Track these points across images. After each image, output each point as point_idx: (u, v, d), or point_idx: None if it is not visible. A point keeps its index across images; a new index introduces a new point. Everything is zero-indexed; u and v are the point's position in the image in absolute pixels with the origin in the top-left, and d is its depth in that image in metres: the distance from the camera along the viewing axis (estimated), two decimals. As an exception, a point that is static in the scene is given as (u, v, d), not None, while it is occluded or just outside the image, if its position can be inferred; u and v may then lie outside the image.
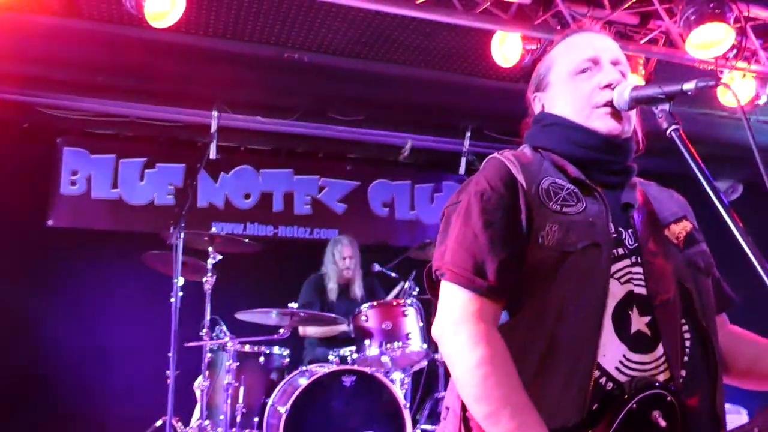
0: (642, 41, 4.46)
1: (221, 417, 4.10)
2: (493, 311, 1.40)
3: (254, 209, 6.29)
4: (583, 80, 1.57)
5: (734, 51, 4.48)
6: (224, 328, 4.33)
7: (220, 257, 4.43)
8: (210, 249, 4.39)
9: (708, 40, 4.16)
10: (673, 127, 1.41)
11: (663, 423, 1.29)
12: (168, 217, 5.02)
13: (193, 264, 4.44)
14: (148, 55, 4.86)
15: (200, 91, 5.36)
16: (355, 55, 5.29)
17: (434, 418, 4.94)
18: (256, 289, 5.53)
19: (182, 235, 4.19)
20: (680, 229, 1.55)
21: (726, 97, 5.00)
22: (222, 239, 4.48)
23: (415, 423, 4.63)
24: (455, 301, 1.40)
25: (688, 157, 1.37)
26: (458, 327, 1.37)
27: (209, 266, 4.37)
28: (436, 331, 1.44)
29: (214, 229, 4.52)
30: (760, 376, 1.54)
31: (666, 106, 1.44)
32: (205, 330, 4.25)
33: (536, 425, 1.27)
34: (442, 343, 1.41)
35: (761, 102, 5.03)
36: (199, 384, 4.16)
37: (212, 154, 5.40)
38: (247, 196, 6.30)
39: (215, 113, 5.42)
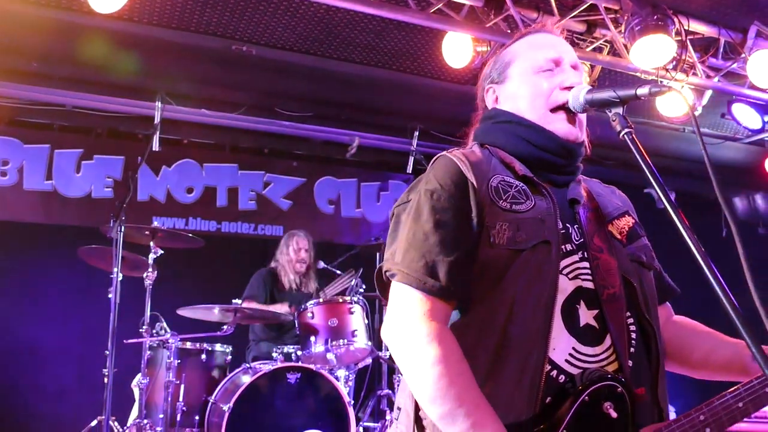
0: (588, 49, 4.59)
1: (161, 416, 3.99)
2: (445, 311, 1.39)
3: (197, 204, 6.15)
4: (545, 79, 1.57)
5: (674, 63, 4.67)
6: (165, 324, 4.21)
7: (161, 252, 4.31)
8: (151, 244, 4.27)
9: (650, 51, 4.32)
10: (626, 130, 1.43)
11: (614, 414, 1.31)
12: (106, 210, 4.87)
13: (133, 259, 4.31)
14: (87, 42, 4.68)
15: (143, 81, 5.21)
16: (305, 50, 5.24)
17: (377, 415, 4.95)
18: (198, 285, 5.41)
19: (122, 228, 4.06)
20: (623, 224, 1.58)
21: (665, 108, 5.20)
22: (163, 234, 4.36)
23: (358, 420, 4.62)
24: (406, 302, 1.39)
25: (639, 160, 1.40)
26: (410, 327, 1.36)
27: (150, 261, 4.25)
28: (387, 332, 1.41)
29: (155, 224, 4.37)
30: (714, 368, 1.59)
31: (620, 110, 1.47)
32: (144, 327, 4.13)
33: (492, 422, 1.27)
34: (394, 343, 1.39)
35: (697, 113, 5.25)
36: (138, 382, 4.04)
37: (154, 146, 5.25)
38: (190, 191, 6.16)
39: (158, 105, 5.28)
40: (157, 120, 5.19)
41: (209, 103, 5.52)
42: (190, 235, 4.60)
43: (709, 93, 5.15)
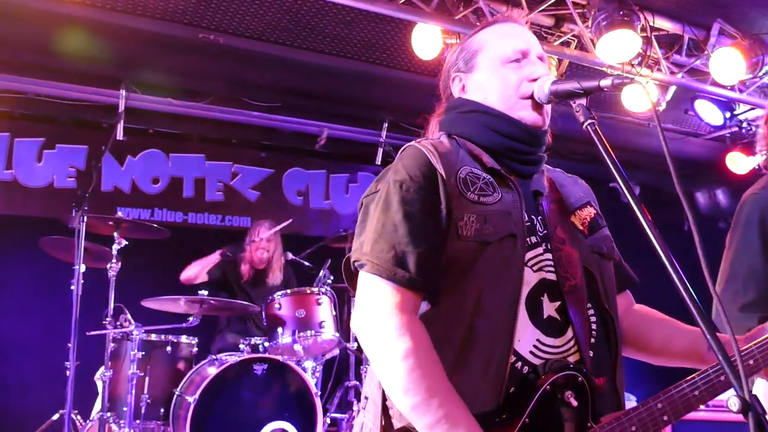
0: (556, 43, 4.64)
1: (124, 409, 3.94)
2: (414, 302, 1.39)
3: (163, 194, 6.07)
4: (513, 70, 1.57)
5: (639, 59, 4.74)
6: (129, 316, 4.15)
7: (126, 243, 4.24)
8: (115, 234, 4.20)
9: (616, 46, 4.38)
10: (589, 121, 1.44)
11: (575, 403, 1.34)
12: (68, 200, 4.76)
13: (96, 250, 4.23)
14: (49, 28, 4.56)
15: (107, 69, 5.11)
16: (274, 40, 5.18)
17: (344, 406, 4.95)
18: (164, 276, 5.34)
19: (85, 219, 3.99)
20: (585, 215, 1.60)
21: (630, 103, 5.29)
22: (128, 224, 4.29)
23: (325, 411, 4.62)
24: (376, 293, 1.38)
25: (602, 151, 1.42)
26: (381, 319, 1.36)
27: (114, 252, 4.17)
28: (357, 324, 1.41)
29: (119, 214, 4.30)
30: (672, 355, 1.63)
31: (583, 101, 1.48)
32: (108, 319, 4.06)
33: (462, 414, 1.29)
34: (364, 336, 1.39)
35: (661, 108, 5.35)
36: (101, 375, 3.97)
37: (119, 135, 5.16)
38: (156, 181, 6.07)
39: (123, 93, 5.19)
40: (121, 108, 5.10)
41: (175, 93, 5.44)
42: (156, 225, 4.54)
43: (672, 89, 5.24)
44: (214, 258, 4.96)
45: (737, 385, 1.11)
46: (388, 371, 1.34)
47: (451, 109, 1.65)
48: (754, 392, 1.11)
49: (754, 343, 1.46)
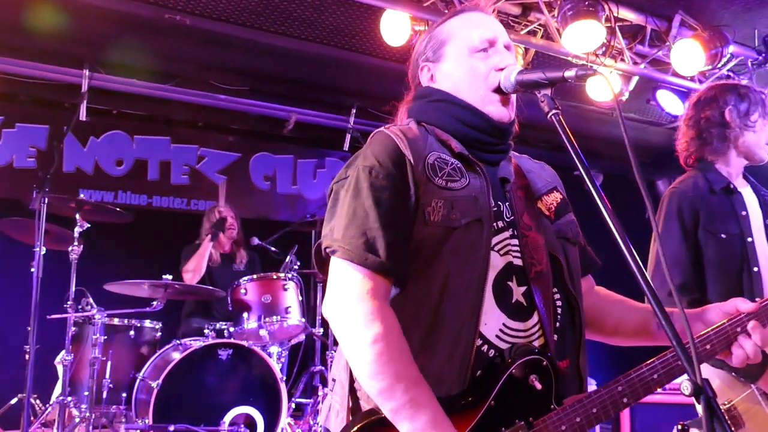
0: (522, 32, 4.67)
1: (85, 393, 3.90)
2: (385, 287, 1.41)
3: (127, 177, 5.97)
4: (480, 60, 1.59)
5: (603, 49, 4.81)
6: (91, 300, 4.10)
7: (88, 226, 4.17)
8: (77, 216, 4.12)
9: (581, 36, 4.43)
10: (554, 111, 1.47)
11: (539, 386, 1.38)
12: (29, 181, 4.68)
13: (58, 232, 4.16)
14: (11, 5, 4.43)
15: (70, 47, 4.98)
16: (242, 23, 5.10)
17: (310, 391, 4.98)
18: (127, 260, 5.27)
19: (46, 200, 3.90)
20: (551, 201, 1.63)
21: (594, 92, 5.36)
22: (91, 206, 4.22)
23: (290, 396, 4.64)
24: (347, 279, 1.40)
25: (565, 140, 1.45)
26: (352, 304, 1.37)
27: (76, 235, 4.10)
28: (328, 309, 1.42)
29: (81, 196, 4.22)
30: (625, 334, 1.69)
31: (548, 91, 1.51)
32: (69, 302, 4.00)
33: (427, 399, 1.31)
34: (335, 320, 1.40)
35: (624, 98, 5.44)
36: (62, 359, 3.92)
37: (81, 115, 5.05)
38: (120, 163, 5.96)
39: (86, 72, 5.07)
40: (84, 88, 4.99)
41: (140, 73, 5.32)
42: (119, 209, 4.47)
43: (635, 79, 5.33)
44: (208, 244, 4.87)
45: (690, 370, 1.16)
46: (357, 355, 1.35)
47: (420, 97, 1.67)
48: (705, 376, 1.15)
49: (711, 328, 1.51)
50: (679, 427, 1.17)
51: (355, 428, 1.35)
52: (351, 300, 1.38)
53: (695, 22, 4.92)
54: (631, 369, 1.44)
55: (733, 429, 2.15)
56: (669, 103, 5.64)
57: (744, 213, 2.43)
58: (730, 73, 5.35)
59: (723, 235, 2.37)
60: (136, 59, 5.15)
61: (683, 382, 1.15)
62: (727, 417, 2.15)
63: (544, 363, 1.40)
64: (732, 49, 4.95)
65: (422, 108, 1.65)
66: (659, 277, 2.28)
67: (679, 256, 2.34)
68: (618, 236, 1.30)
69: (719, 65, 5.03)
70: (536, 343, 1.44)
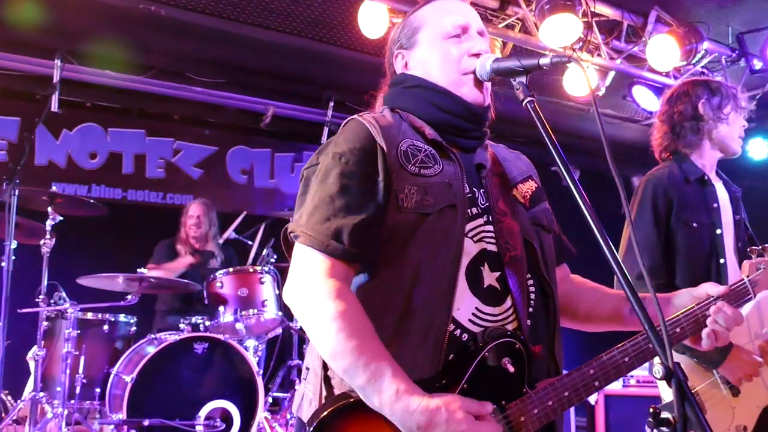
0: (500, 25, 4.68)
1: (58, 389, 3.83)
2: (346, 272, 1.41)
3: (101, 170, 5.88)
4: (453, 45, 1.60)
5: (580, 44, 4.84)
6: (64, 294, 4.03)
7: (61, 219, 4.10)
8: (49, 209, 4.04)
9: (558, 30, 4.46)
10: (529, 99, 1.47)
11: (512, 369, 1.38)
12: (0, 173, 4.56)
13: (29, 225, 4.08)
14: (-22, -6, 4.35)
15: (41, 38, 4.89)
16: (218, 14, 5.05)
17: (287, 385, 4.95)
18: (101, 253, 5.20)
19: (16, 192, 3.83)
20: (527, 189, 1.64)
21: (571, 87, 5.39)
22: (63, 199, 4.14)
23: (267, 391, 4.61)
24: (308, 262, 1.41)
25: (540, 128, 1.45)
26: (310, 285, 1.38)
27: (48, 228, 4.03)
28: (288, 291, 1.43)
29: (54, 189, 4.15)
30: (597, 320, 1.71)
31: (523, 79, 1.51)
32: (41, 296, 3.93)
33: (393, 370, 1.30)
34: (295, 302, 1.41)
35: (600, 93, 5.48)
36: (34, 354, 3.86)
37: (53, 107, 4.96)
38: (93, 156, 5.88)
39: (58, 63, 4.98)
40: (56, 79, 4.90)
41: (114, 64, 5.25)
42: (92, 201, 4.40)
43: (612, 74, 5.37)
44: (185, 261, 4.81)
45: (661, 353, 1.16)
46: (319, 335, 1.36)
47: (394, 84, 1.68)
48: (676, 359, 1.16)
49: (681, 312, 1.53)
50: (651, 410, 1.17)
51: (326, 412, 1.34)
52: (310, 281, 1.39)
53: (671, 18, 4.97)
54: (603, 352, 1.45)
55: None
56: (645, 99, 5.70)
57: (715, 205, 2.50)
58: (704, 70, 5.42)
59: (694, 224, 2.43)
60: (109, 50, 5.07)
61: (654, 365, 1.16)
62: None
63: (517, 346, 1.40)
64: (706, 45, 5.02)
65: (396, 95, 1.65)
66: (629, 261, 2.33)
67: (650, 242, 2.40)
68: (589, 217, 1.31)
69: (693, 61, 5.09)
70: (509, 327, 1.44)
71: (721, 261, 2.41)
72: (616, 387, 4.44)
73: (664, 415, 1.16)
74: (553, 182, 1.88)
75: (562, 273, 1.75)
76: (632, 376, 4.45)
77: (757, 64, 4.95)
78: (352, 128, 1.51)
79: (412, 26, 1.67)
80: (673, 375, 1.13)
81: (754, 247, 1.69)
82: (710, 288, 1.56)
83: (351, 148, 1.46)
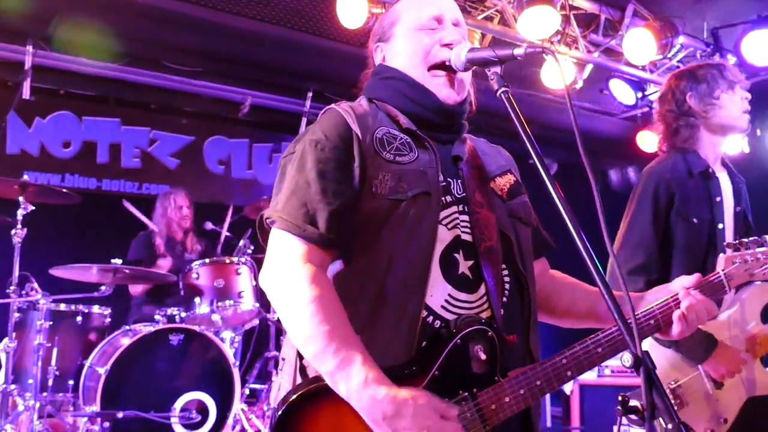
0: (479, 17, 4.68)
1: (30, 381, 3.78)
2: (322, 257, 1.43)
3: (75, 159, 5.80)
4: (426, 35, 1.61)
5: (558, 37, 4.86)
6: (36, 285, 3.96)
7: (33, 208, 4.02)
8: (21, 199, 3.97)
9: (536, 22, 4.47)
10: (503, 89, 1.48)
11: (483, 356, 1.39)
12: (-32, 162, 4.48)
13: (-1, 215, 4.01)
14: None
15: (13, 22, 4.78)
16: (195, 2, 4.98)
17: (264, 377, 4.93)
18: (75, 244, 5.13)
19: (-14, 181, 3.76)
20: (505, 182, 1.65)
21: (549, 80, 5.42)
22: (35, 188, 4.07)
23: (244, 382, 4.59)
24: (284, 248, 1.42)
25: (514, 118, 1.45)
26: (286, 269, 1.40)
27: (19, 217, 3.95)
28: (264, 276, 1.44)
29: (26, 178, 4.07)
30: (576, 316, 1.72)
31: (498, 69, 1.51)
32: (12, 287, 3.86)
33: (362, 358, 1.31)
34: (270, 286, 1.42)
35: (578, 87, 5.51)
36: (5, 346, 3.79)
37: (25, 94, 4.87)
38: (67, 145, 5.79)
39: (30, 49, 4.88)
40: (27, 66, 4.80)
41: (89, 51, 5.15)
42: (65, 190, 4.33)
43: (589, 67, 5.41)
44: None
45: (631, 342, 1.18)
46: (292, 319, 1.37)
47: (373, 75, 1.71)
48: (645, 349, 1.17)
49: (655, 303, 1.53)
50: (620, 398, 1.19)
51: (295, 396, 1.34)
52: (286, 266, 1.40)
53: (647, 12, 5.01)
54: (576, 342, 1.46)
55: (672, 401, 2.22)
56: (622, 92, 5.75)
57: (718, 199, 2.44)
58: (680, 64, 5.47)
59: (694, 220, 2.38)
60: (84, 36, 4.97)
61: (624, 354, 1.17)
62: (671, 396, 2.22)
63: (490, 334, 1.41)
64: (682, 40, 5.07)
65: (373, 85, 1.68)
66: (622, 256, 2.33)
67: (646, 236, 2.36)
68: (562, 210, 1.31)
69: (669, 55, 5.13)
70: (483, 315, 1.45)
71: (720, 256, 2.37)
72: (591, 377, 4.50)
73: (633, 402, 1.17)
74: (530, 175, 1.88)
75: (542, 267, 1.75)
76: (607, 366, 4.51)
77: (731, 60, 5.01)
78: (328, 117, 1.54)
79: (389, 20, 1.71)
80: (641, 363, 1.14)
81: (730, 242, 1.68)
82: (685, 280, 1.58)
83: (327, 135, 1.48)
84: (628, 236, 2.39)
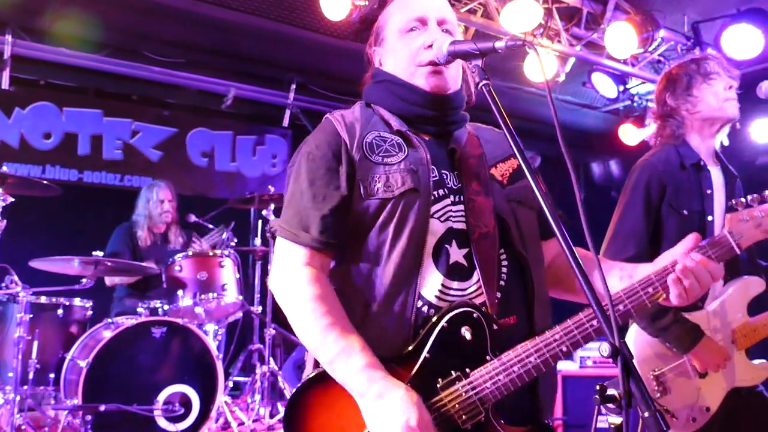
0: (462, 10, 4.69)
1: (10, 374, 3.75)
2: (320, 260, 1.55)
3: (55, 151, 5.74)
4: (411, 39, 1.67)
5: (541, 30, 4.88)
6: (16, 277, 3.93)
7: (12, 200, 3.98)
8: (0, 191, 3.92)
9: (519, 15, 4.48)
10: (484, 82, 1.49)
11: (469, 337, 1.46)
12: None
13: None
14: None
15: (-9, 12, 4.73)
16: (178, -8, 4.95)
17: (248, 369, 4.93)
18: (55, 236, 5.08)
19: (-35, 173, 3.71)
20: (507, 167, 1.69)
21: (532, 73, 5.44)
22: (14, 180, 4.02)
23: (227, 375, 4.59)
24: (285, 254, 1.57)
25: (495, 111, 1.46)
26: (287, 273, 1.54)
27: (-1, 210, 3.91)
28: (271, 281, 1.59)
29: (5, 169, 4.03)
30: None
31: (479, 62, 1.53)
32: (-8, 280, 3.83)
33: (359, 348, 1.43)
34: (276, 290, 1.57)
35: (560, 80, 5.54)
36: (-16, 339, 3.76)
37: (4, 84, 4.81)
38: (48, 136, 5.72)
39: (8, 38, 4.82)
40: (6, 55, 4.75)
41: (70, 41, 5.09)
42: (46, 182, 4.29)
43: (571, 61, 5.43)
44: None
45: (608, 332, 1.19)
46: (294, 317, 1.51)
47: (370, 79, 1.78)
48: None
49: (637, 281, 1.52)
50: (598, 387, 1.21)
51: (312, 374, 1.50)
52: (287, 270, 1.55)
53: (629, 6, 5.04)
54: (568, 318, 1.46)
55: (656, 387, 2.25)
56: (604, 86, 5.79)
57: (709, 192, 2.45)
58: (661, 58, 5.52)
59: (685, 212, 2.39)
60: (64, 26, 4.93)
61: (601, 344, 1.18)
62: (655, 383, 2.25)
63: (475, 315, 1.46)
64: (662, 33, 5.11)
65: (370, 90, 1.76)
66: (614, 247, 2.35)
67: (638, 228, 2.37)
68: (541, 199, 1.34)
69: (650, 49, 5.17)
70: (477, 301, 1.50)
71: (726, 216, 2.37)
72: (572, 368, 4.54)
73: (610, 391, 1.19)
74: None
75: (554, 247, 1.74)
76: (589, 357, 4.56)
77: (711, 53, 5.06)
78: (321, 126, 1.65)
79: (380, 24, 1.78)
80: (618, 353, 1.16)
81: (740, 200, 1.59)
82: (685, 242, 1.53)
83: (317, 145, 1.60)
84: (619, 227, 2.41)
